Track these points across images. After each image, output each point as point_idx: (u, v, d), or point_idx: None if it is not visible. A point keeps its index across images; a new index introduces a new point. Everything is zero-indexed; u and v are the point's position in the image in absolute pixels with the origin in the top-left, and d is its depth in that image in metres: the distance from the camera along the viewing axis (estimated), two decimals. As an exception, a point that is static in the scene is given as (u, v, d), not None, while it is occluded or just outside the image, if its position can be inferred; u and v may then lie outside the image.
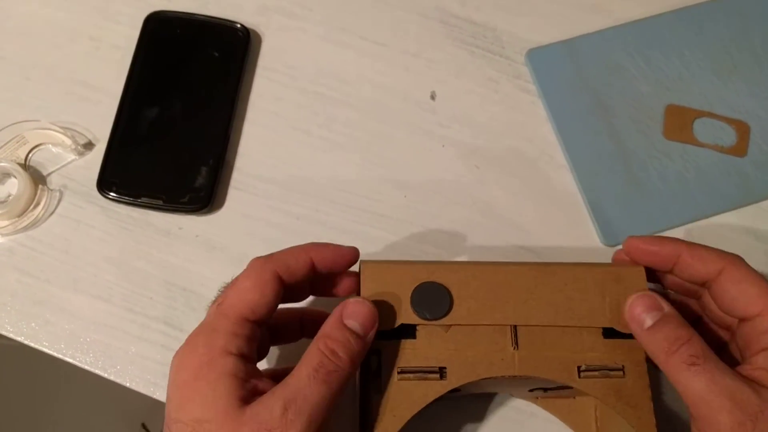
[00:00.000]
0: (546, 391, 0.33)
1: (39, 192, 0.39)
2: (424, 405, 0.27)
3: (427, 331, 0.29)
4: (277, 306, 0.28)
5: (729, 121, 0.41)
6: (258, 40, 0.43)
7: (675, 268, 0.29)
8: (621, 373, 0.28)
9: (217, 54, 0.42)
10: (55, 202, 0.39)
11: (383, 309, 0.28)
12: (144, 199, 0.39)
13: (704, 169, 0.41)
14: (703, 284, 0.29)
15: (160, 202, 0.38)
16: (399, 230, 0.39)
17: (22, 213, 0.39)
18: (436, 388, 0.28)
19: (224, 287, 0.29)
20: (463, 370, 0.28)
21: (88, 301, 0.37)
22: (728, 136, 0.41)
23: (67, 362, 0.37)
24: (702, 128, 0.41)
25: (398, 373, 0.28)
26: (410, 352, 0.28)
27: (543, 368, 0.28)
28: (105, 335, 0.37)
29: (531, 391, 0.33)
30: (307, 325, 0.33)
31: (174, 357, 0.27)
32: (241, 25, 0.42)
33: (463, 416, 0.35)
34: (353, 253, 0.30)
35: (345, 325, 0.27)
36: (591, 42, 0.43)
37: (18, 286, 0.38)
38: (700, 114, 0.42)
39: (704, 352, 0.26)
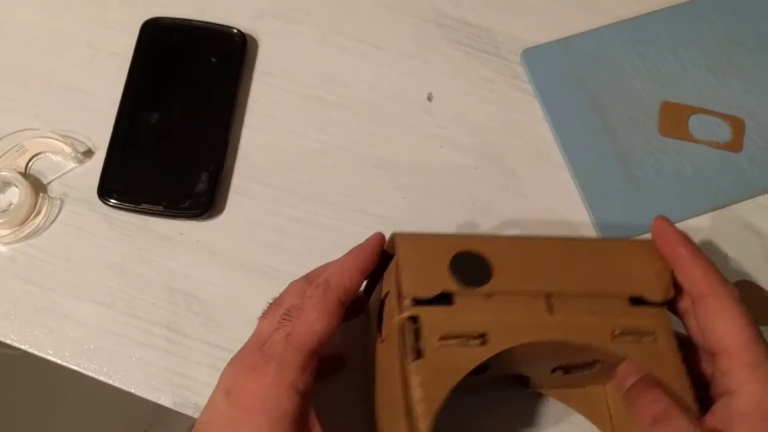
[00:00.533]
0: (566, 372, 0.33)
1: (40, 200, 0.39)
2: (467, 371, 0.27)
3: (465, 298, 0.28)
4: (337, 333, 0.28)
5: (724, 117, 0.42)
6: (255, 45, 0.43)
7: (674, 268, 0.30)
8: (653, 337, 0.29)
9: (214, 59, 0.42)
10: (56, 210, 0.39)
11: (421, 276, 0.28)
12: (145, 206, 0.39)
13: (700, 165, 0.41)
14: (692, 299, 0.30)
15: (161, 208, 0.39)
16: (399, 231, 0.39)
17: (24, 222, 0.39)
18: (478, 354, 0.27)
19: (273, 301, 0.29)
20: (503, 336, 0.28)
21: (91, 307, 0.38)
22: (723, 132, 0.42)
23: (70, 371, 0.37)
24: (697, 124, 0.42)
25: (439, 339, 0.27)
26: (450, 319, 0.28)
27: (579, 333, 0.28)
28: (109, 342, 0.37)
29: (553, 372, 0.33)
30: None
31: (231, 369, 0.26)
32: (238, 30, 0.42)
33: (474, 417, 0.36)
34: (381, 240, 0.30)
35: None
36: (586, 40, 0.43)
37: (21, 295, 0.38)
38: (696, 110, 0.42)
39: (666, 405, 0.27)
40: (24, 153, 0.40)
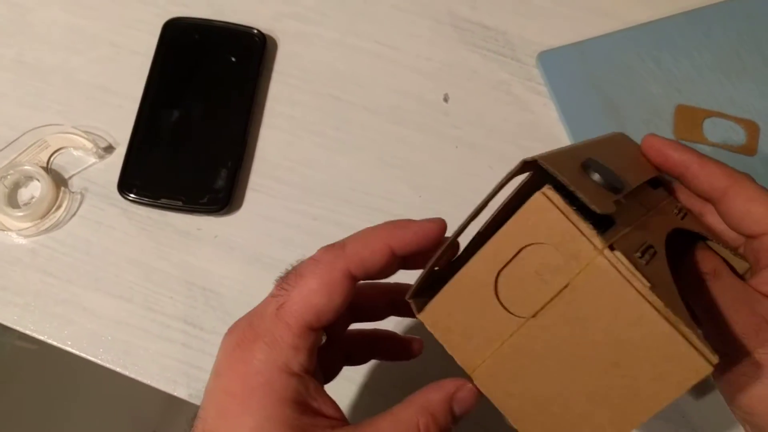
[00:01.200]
0: None
1: (61, 194, 0.40)
2: (672, 281, 0.22)
3: (622, 209, 0.23)
4: (344, 309, 0.23)
5: (738, 120, 0.42)
6: (274, 45, 0.44)
7: (684, 177, 0.29)
8: (685, 210, 0.29)
9: (233, 59, 0.43)
10: (77, 204, 0.40)
11: (591, 195, 0.21)
12: (164, 201, 0.39)
13: (715, 168, 0.41)
14: (710, 200, 0.29)
15: (180, 204, 0.39)
16: (414, 230, 0.40)
17: (45, 215, 0.39)
18: (662, 264, 0.22)
19: (294, 266, 0.24)
20: (657, 238, 0.24)
21: (109, 300, 0.38)
22: (738, 135, 0.42)
23: (83, 369, 0.37)
24: (712, 128, 0.42)
25: (640, 257, 0.21)
26: (628, 238, 0.22)
27: (685, 222, 0.28)
28: (126, 334, 0.37)
29: None
30: (399, 303, 0.26)
31: (223, 342, 0.23)
32: (258, 30, 0.43)
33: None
34: (440, 228, 0.24)
35: (451, 409, 0.22)
36: (601, 44, 0.44)
37: (41, 287, 0.38)
38: (710, 114, 0.42)
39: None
40: (46, 148, 0.41)
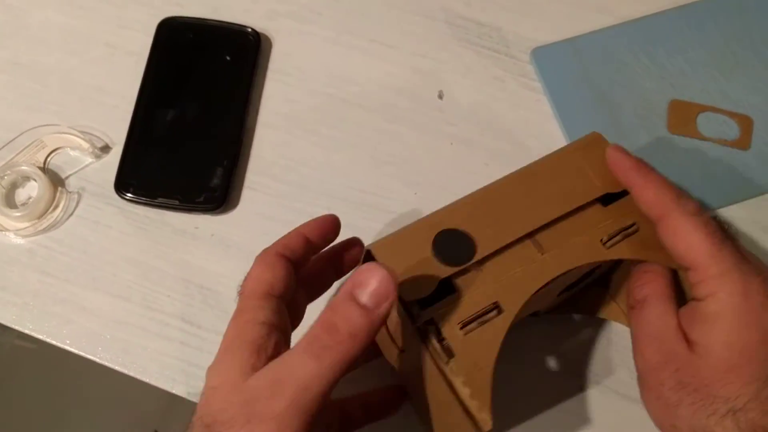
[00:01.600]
0: (569, 289, 0.33)
1: (58, 194, 0.40)
2: (498, 346, 0.27)
3: (464, 279, 0.28)
4: (292, 281, 0.29)
5: (732, 115, 0.42)
6: (268, 44, 0.44)
7: (630, 194, 0.30)
8: (636, 227, 0.30)
9: (228, 58, 0.43)
10: (74, 204, 0.40)
11: (414, 276, 0.28)
12: (160, 200, 0.39)
13: (708, 163, 0.41)
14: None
15: (177, 203, 0.39)
16: (410, 226, 0.40)
17: (42, 215, 0.40)
18: (500, 325, 0.27)
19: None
20: (513, 296, 0.28)
21: (107, 299, 0.38)
22: (731, 129, 0.42)
23: (83, 368, 0.38)
24: (706, 122, 0.42)
25: (461, 329, 0.27)
26: (460, 305, 0.28)
27: (574, 258, 0.29)
28: (125, 332, 0.38)
29: (559, 295, 0.34)
30: (339, 264, 0.34)
31: None
32: (252, 29, 0.43)
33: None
34: (332, 219, 0.32)
35: (352, 297, 0.25)
36: (595, 40, 0.44)
37: (39, 286, 0.39)
38: (704, 108, 0.42)
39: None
40: (43, 148, 0.41)
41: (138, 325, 0.38)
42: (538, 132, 0.43)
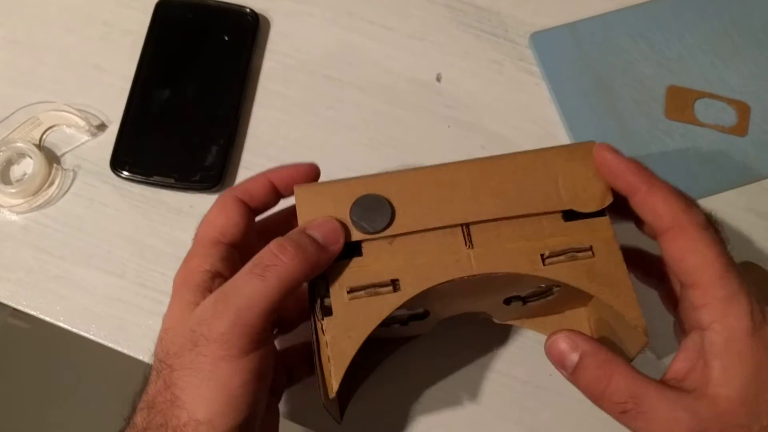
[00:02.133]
0: (524, 302, 0.31)
1: (53, 171, 0.40)
2: (379, 321, 0.26)
3: (373, 246, 0.27)
4: (246, 228, 0.29)
5: (729, 101, 0.42)
6: (267, 24, 0.44)
7: (630, 200, 0.27)
8: (590, 252, 0.26)
9: (226, 38, 0.43)
10: (69, 182, 0.40)
11: None
12: (156, 178, 0.39)
13: (705, 149, 0.41)
14: (651, 233, 0.28)
15: (172, 181, 0.39)
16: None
17: (37, 192, 0.40)
18: (390, 302, 0.26)
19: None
20: (417, 279, 0.26)
21: (101, 276, 0.38)
22: (729, 116, 0.42)
23: (73, 347, 0.38)
24: (703, 109, 0.42)
25: (348, 293, 0.26)
26: (358, 271, 0.27)
27: (503, 263, 0.26)
28: (118, 310, 0.38)
29: (508, 303, 0.31)
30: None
31: None
32: (250, 9, 0.43)
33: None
34: (312, 169, 0.30)
35: (305, 231, 0.26)
36: (593, 25, 0.44)
37: (33, 263, 0.38)
38: (701, 95, 0.42)
39: (628, 389, 0.24)
40: (39, 125, 0.41)
41: (132, 302, 0.38)
42: (536, 116, 0.42)
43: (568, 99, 0.42)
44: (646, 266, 0.31)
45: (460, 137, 0.42)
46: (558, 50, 0.43)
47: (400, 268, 0.27)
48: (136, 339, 0.37)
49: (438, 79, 0.43)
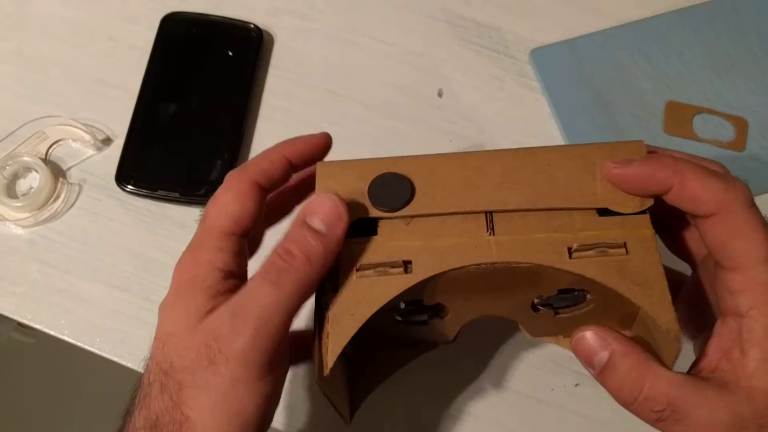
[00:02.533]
0: (556, 312, 0.28)
1: (59, 185, 0.41)
2: (385, 302, 0.25)
3: (390, 225, 0.26)
4: (260, 215, 0.27)
5: (727, 117, 0.43)
6: (270, 40, 0.45)
7: (667, 198, 0.25)
8: (623, 250, 0.24)
9: (230, 53, 0.43)
10: (75, 196, 0.41)
11: None
12: (161, 192, 0.40)
13: (704, 164, 0.42)
14: (691, 217, 0.26)
15: (177, 195, 0.40)
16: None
17: (43, 206, 0.40)
18: (399, 283, 0.25)
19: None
20: (430, 262, 0.25)
21: (106, 290, 0.39)
22: (727, 131, 0.43)
23: (78, 362, 0.38)
24: (701, 124, 0.43)
25: (356, 270, 0.25)
26: (371, 249, 0.25)
27: (525, 252, 0.24)
28: (123, 324, 0.38)
29: (536, 311, 0.29)
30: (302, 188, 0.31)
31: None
32: (254, 25, 0.44)
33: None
34: (326, 139, 0.29)
35: (304, 222, 0.24)
36: (593, 41, 0.45)
37: (38, 276, 0.39)
38: (700, 110, 0.43)
39: (666, 396, 0.23)
40: (45, 139, 0.41)
41: (137, 316, 0.38)
42: (536, 131, 0.43)
43: (568, 114, 0.43)
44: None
45: (461, 152, 0.42)
46: (558, 66, 0.44)
47: (414, 249, 0.25)
48: (141, 353, 0.37)
49: (439, 94, 0.44)
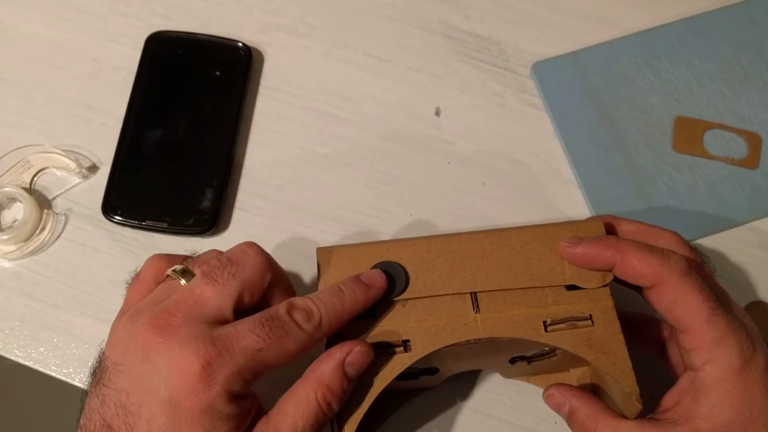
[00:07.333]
0: (529, 362, 0.32)
1: (44, 216, 0.39)
2: (390, 379, 0.28)
3: (386, 309, 0.29)
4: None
5: (740, 132, 0.41)
6: (260, 58, 0.43)
7: (614, 273, 0.29)
8: (589, 321, 0.28)
9: (219, 73, 0.42)
10: (61, 226, 0.39)
11: None
12: (149, 222, 0.38)
13: (715, 182, 0.40)
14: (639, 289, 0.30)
15: (165, 225, 0.38)
16: (405, 249, 0.39)
17: (29, 238, 0.39)
18: (402, 361, 0.28)
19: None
20: (426, 340, 0.28)
21: (95, 324, 0.37)
22: (739, 147, 0.41)
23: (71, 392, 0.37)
24: (712, 140, 0.41)
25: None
26: (370, 331, 0.29)
27: (507, 327, 0.28)
28: (112, 360, 0.37)
29: (513, 362, 0.33)
30: None
31: (152, 335, 0.26)
32: (243, 43, 0.42)
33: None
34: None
35: (345, 374, 0.26)
36: (597, 53, 0.42)
37: (26, 311, 0.38)
38: (711, 125, 0.41)
39: None
40: (29, 168, 0.40)
41: (126, 351, 0.37)
42: (539, 150, 0.41)
43: (572, 131, 0.41)
44: (650, 332, 0.32)
45: (460, 174, 0.40)
46: (561, 80, 0.42)
47: (411, 329, 0.29)
48: (131, 390, 0.36)
49: (437, 113, 0.42)
